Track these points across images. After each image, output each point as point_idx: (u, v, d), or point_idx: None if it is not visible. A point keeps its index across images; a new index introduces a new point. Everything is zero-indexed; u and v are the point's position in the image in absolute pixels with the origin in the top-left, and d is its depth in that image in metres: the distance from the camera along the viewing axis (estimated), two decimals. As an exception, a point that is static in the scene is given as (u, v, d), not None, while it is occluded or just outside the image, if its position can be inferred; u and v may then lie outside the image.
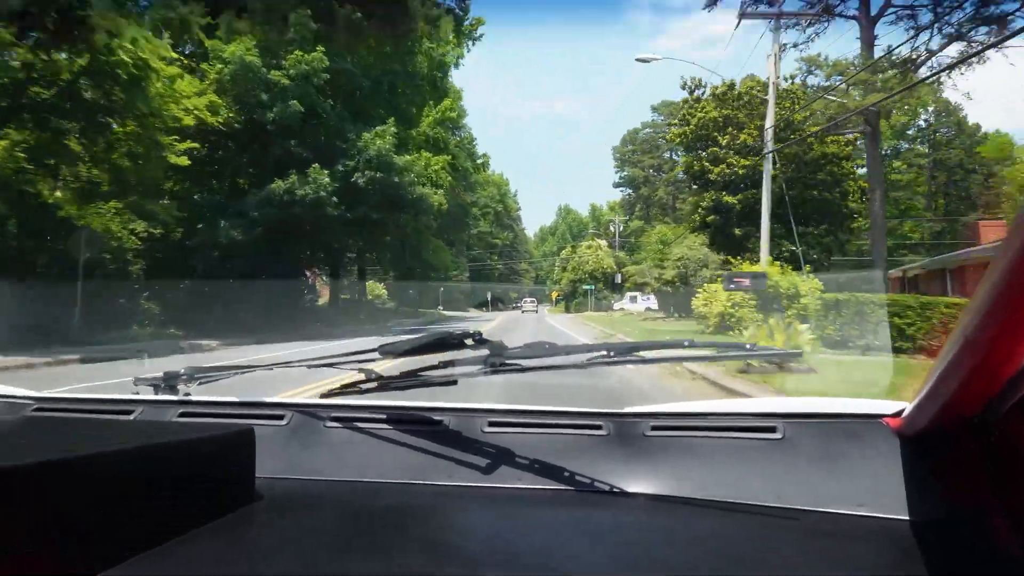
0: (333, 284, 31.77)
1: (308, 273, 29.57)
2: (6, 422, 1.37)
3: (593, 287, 51.85)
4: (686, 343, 1.32)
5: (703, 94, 31.17)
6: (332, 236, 24.69)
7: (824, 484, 1.07)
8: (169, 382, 1.54)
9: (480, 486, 1.16)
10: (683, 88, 31.73)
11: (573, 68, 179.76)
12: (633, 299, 46.95)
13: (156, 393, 1.54)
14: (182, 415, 1.39)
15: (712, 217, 29.56)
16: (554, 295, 67.69)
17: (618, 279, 48.74)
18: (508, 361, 1.18)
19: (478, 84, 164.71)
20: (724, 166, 28.86)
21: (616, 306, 48.59)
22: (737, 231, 28.49)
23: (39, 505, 0.72)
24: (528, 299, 64.32)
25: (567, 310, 56.27)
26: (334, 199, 21.85)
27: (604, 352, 1.13)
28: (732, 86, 29.69)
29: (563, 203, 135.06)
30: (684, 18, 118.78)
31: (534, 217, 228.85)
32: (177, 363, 1.67)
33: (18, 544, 0.69)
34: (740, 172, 28.02)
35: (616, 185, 75.89)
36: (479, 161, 48.24)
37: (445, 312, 52.64)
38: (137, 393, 1.57)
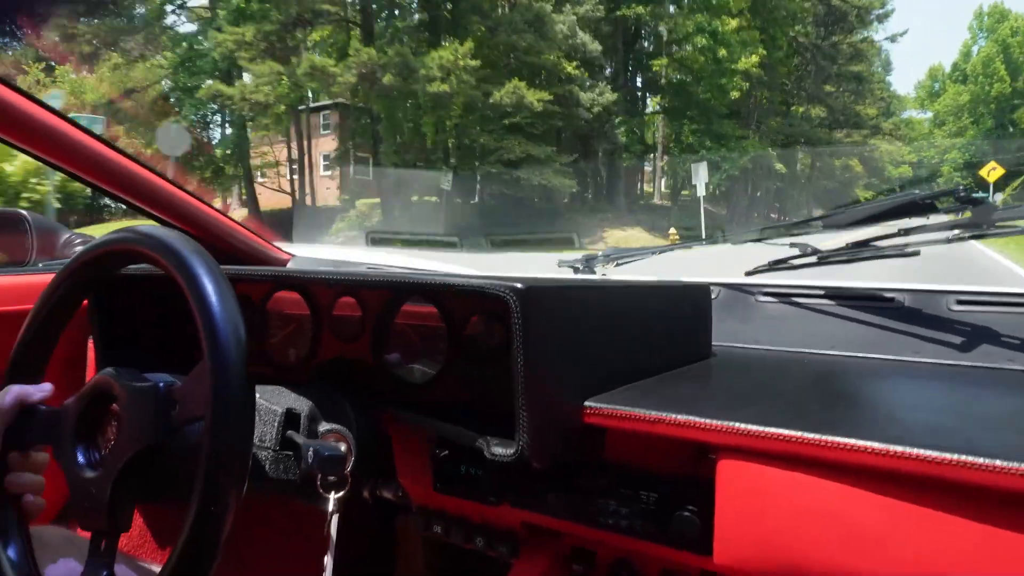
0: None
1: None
2: None
3: None
4: None
5: None
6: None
7: None
8: (588, 264, 1.67)
9: (957, 364, 1.03)
10: None
11: None
12: None
13: (575, 274, 1.69)
14: None
15: None
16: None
17: None
18: (1004, 221, 1.01)
19: None
20: None
21: None
22: None
23: (548, 323, 0.77)
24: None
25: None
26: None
27: None
28: None
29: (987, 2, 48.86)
30: None
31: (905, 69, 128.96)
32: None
33: (534, 355, 0.74)
34: None
35: None
36: None
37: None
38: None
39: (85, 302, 1.14)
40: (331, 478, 0.90)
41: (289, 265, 1.70)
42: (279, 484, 0.90)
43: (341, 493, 0.91)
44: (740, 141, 31.87)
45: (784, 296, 1.27)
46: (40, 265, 1.50)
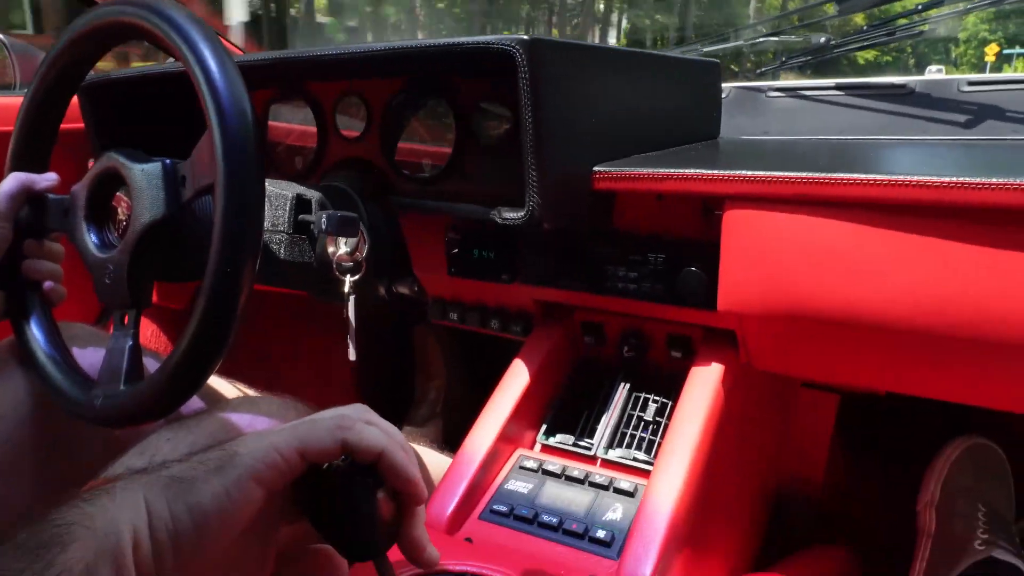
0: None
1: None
2: None
3: None
4: None
5: None
6: None
7: None
8: None
9: (968, 139, 1.03)
10: None
11: None
12: None
13: None
14: None
15: None
16: (991, 53, 20.35)
17: None
18: None
19: None
20: None
21: None
22: None
23: (556, 79, 0.78)
24: (934, 67, 13.17)
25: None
26: None
27: None
28: None
29: None
30: None
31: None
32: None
33: (541, 112, 0.75)
34: None
35: None
36: None
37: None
38: None
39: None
40: (346, 263, 0.93)
41: None
42: (296, 268, 0.93)
43: (356, 276, 0.94)
44: None
45: (794, 91, 1.25)
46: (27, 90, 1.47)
